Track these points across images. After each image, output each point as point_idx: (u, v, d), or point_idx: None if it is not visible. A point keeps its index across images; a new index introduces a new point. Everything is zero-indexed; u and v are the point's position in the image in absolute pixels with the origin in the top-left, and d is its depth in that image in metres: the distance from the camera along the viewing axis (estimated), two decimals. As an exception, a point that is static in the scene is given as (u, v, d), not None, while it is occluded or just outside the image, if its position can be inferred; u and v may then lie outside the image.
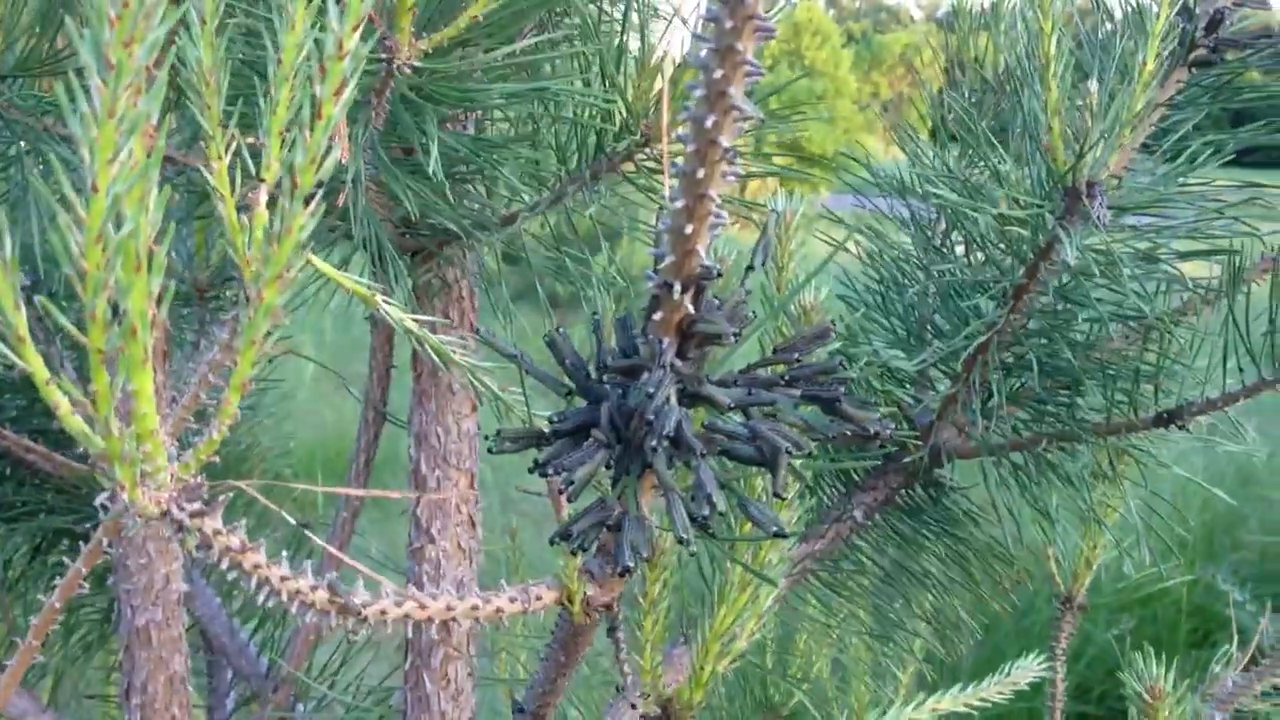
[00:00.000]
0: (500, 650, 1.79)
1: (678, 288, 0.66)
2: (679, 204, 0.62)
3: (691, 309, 0.68)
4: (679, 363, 0.70)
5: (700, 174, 0.61)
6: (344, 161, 0.89)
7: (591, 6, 1.03)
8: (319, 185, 0.53)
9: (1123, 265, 1.14)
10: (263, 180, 0.78)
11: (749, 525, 0.85)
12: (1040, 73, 1.14)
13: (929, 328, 1.41)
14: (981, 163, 1.26)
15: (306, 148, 0.52)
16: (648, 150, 1.10)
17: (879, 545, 1.47)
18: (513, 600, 0.78)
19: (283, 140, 0.79)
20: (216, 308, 1.51)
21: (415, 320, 0.82)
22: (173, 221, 0.63)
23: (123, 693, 1.41)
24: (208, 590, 1.59)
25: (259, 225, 0.79)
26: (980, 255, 1.31)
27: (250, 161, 0.79)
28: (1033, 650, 1.68)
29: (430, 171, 0.89)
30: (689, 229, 0.63)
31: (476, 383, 0.84)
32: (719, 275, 0.66)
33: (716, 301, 0.73)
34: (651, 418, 0.65)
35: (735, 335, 0.71)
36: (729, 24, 0.55)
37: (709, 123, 0.59)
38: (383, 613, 0.69)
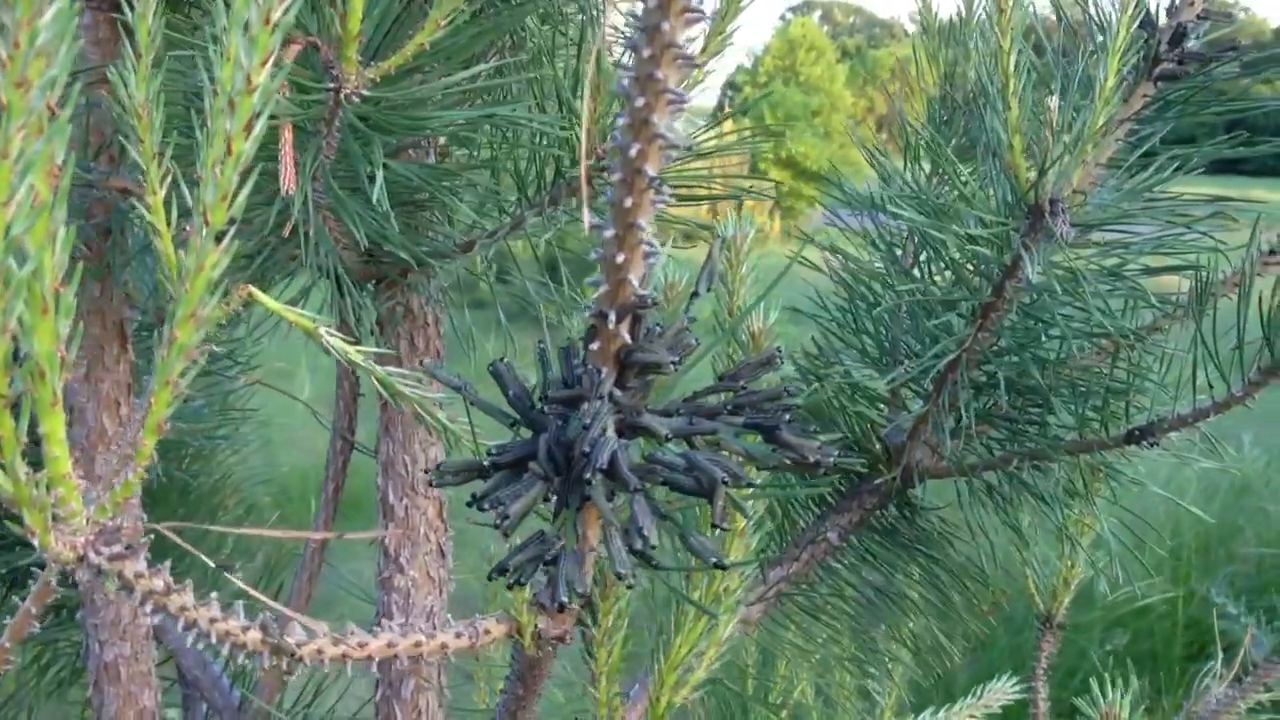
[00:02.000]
0: (479, 678, 1.78)
1: (612, 317, 0.65)
2: (609, 233, 0.62)
3: (628, 338, 0.67)
4: (618, 393, 0.69)
5: (628, 203, 0.60)
6: (289, 192, 0.89)
7: (545, 30, 1.02)
8: (232, 222, 0.53)
9: (1085, 282, 1.14)
10: (206, 217, 0.77)
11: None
12: (1000, 89, 1.14)
13: (901, 347, 1.40)
14: (950, 181, 1.25)
15: (217, 184, 0.52)
16: (605, 174, 1.09)
17: (854, 567, 1.46)
18: (459, 635, 0.77)
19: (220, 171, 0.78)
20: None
21: (361, 351, 0.81)
22: (117, 253, 0.63)
23: (92, 728, 1.40)
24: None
25: (210, 257, 0.78)
26: (950, 274, 1.30)
27: (189, 195, 0.78)
28: (1027, 668, 1.67)
29: (374, 200, 0.88)
30: (620, 258, 0.63)
31: (425, 414, 0.83)
32: (654, 304, 0.65)
33: (658, 329, 0.72)
34: (587, 449, 0.64)
35: (676, 364, 0.70)
36: (647, 52, 0.55)
37: (633, 151, 0.58)
38: (319, 652, 0.68)
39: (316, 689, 1.63)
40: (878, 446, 1.45)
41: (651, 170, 0.58)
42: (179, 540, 0.58)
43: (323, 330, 0.81)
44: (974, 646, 4.11)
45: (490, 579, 0.66)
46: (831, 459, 0.70)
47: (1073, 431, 1.35)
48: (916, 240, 1.36)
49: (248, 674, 1.57)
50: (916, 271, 1.37)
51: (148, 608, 0.59)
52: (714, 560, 0.66)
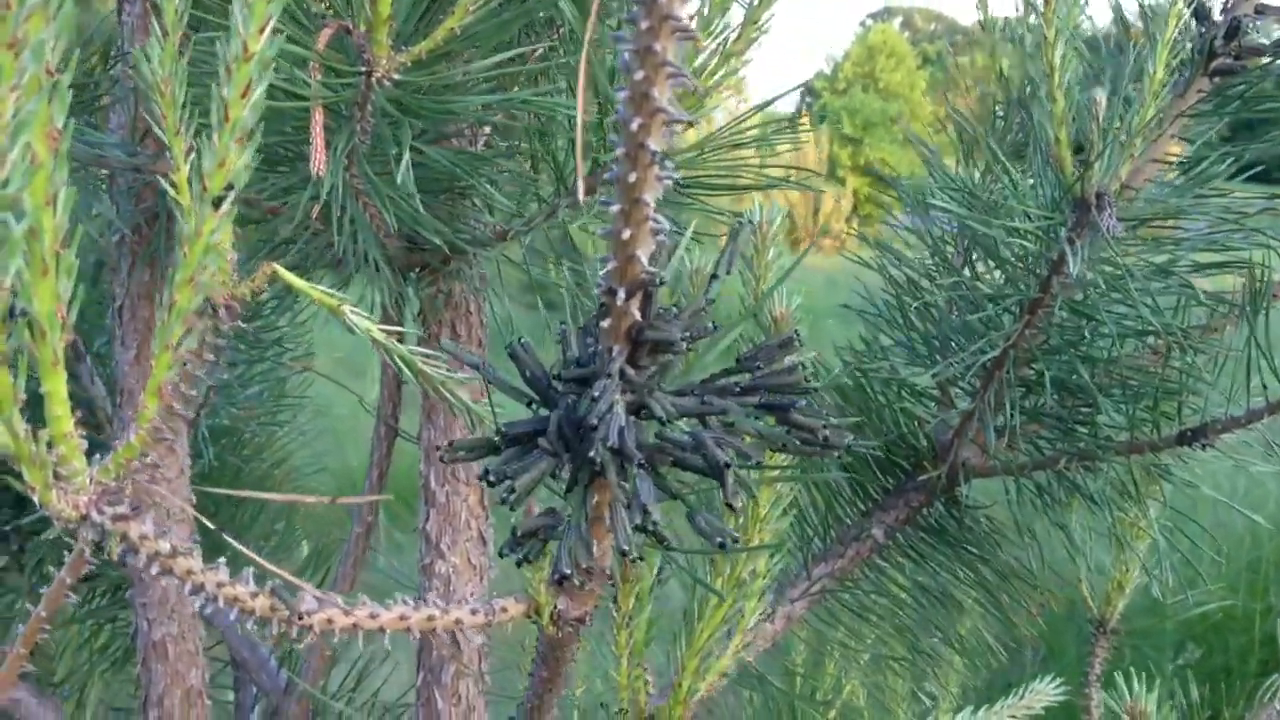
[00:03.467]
0: (523, 667, 1.79)
1: (621, 294, 0.65)
2: (614, 209, 0.62)
3: (638, 315, 0.67)
4: (630, 371, 0.69)
5: (632, 178, 0.60)
6: (319, 174, 0.90)
7: (573, 13, 1.02)
8: (229, 188, 0.53)
9: (1130, 279, 1.12)
10: (231, 187, 0.78)
11: (757, 536, 0.84)
12: (1046, 82, 1.12)
13: (949, 344, 1.38)
14: (999, 177, 1.24)
15: (214, 151, 0.52)
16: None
17: (900, 566, 1.45)
18: (474, 612, 0.77)
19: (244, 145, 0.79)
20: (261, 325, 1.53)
21: (384, 330, 0.82)
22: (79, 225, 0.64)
23: (140, 706, 1.42)
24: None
25: (226, 233, 0.79)
26: (999, 272, 1.29)
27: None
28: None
29: (399, 182, 0.89)
30: (626, 234, 0.62)
31: (445, 393, 0.83)
32: (662, 282, 0.65)
33: (674, 310, 0.72)
34: (594, 424, 0.64)
35: (688, 342, 0.70)
36: (645, 24, 0.54)
37: (634, 126, 0.58)
38: (329, 621, 0.69)
39: (360, 675, 1.65)
40: (924, 443, 1.44)
41: (653, 144, 0.58)
42: (206, 521, 0.59)
43: (346, 309, 0.82)
44: (1042, 655, 4.05)
45: (500, 555, 0.66)
46: (845, 441, 0.70)
47: (1124, 432, 1.33)
48: (967, 238, 1.34)
49: (295, 656, 1.59)
50: (967, 270, 1.35)
51: (154, 570, 0.60)
52: (719, 541, 0.65)
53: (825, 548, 1.44)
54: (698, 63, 1.09)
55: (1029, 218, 1.16)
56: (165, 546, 0.60)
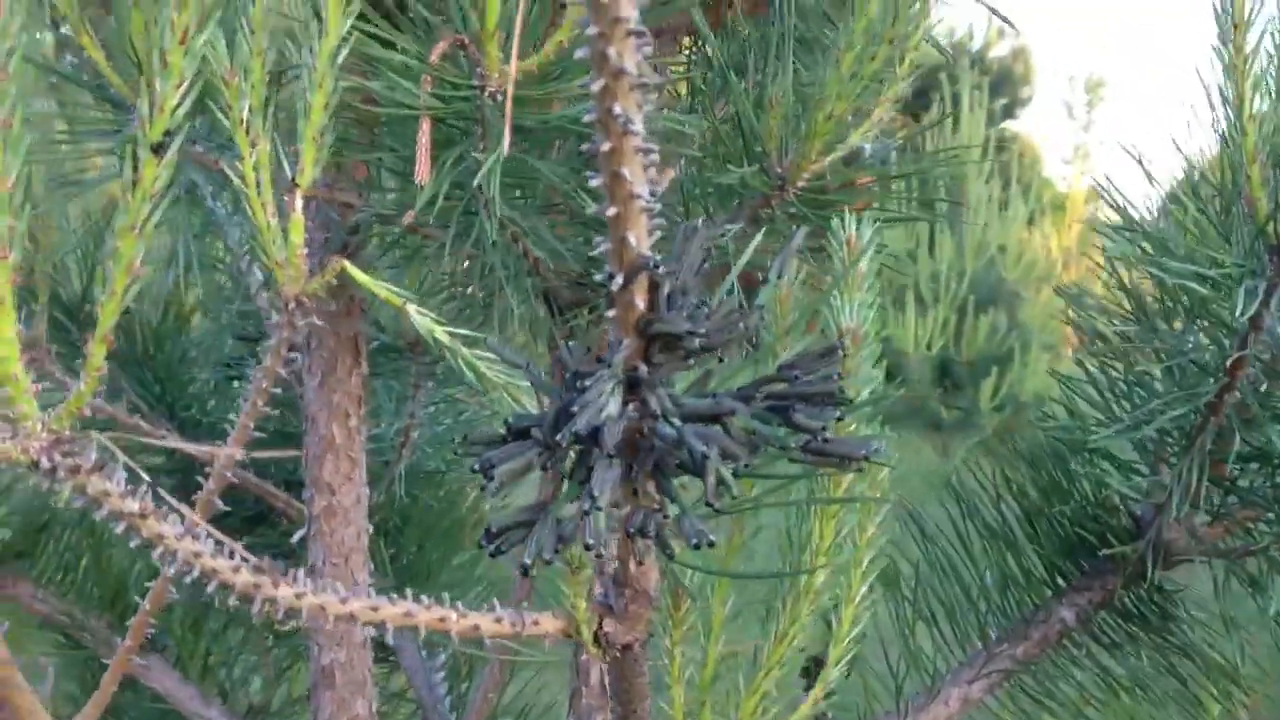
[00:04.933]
0: None
1: (619, 279, 0.62)
2: (595, 182, 0.59)
3: (640, 305, 0.63)
4: (643, 367, 0.65)
5: (606, 148, 0.57)
6: (421, 183, 0.90)
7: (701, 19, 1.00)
8: (167, 134, 0.54)
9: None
10: (297, 185, 0.80)
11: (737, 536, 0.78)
12: (1236, 108, 1.02)
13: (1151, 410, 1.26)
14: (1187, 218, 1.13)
15: (156, 100, 0.53)
16: (784, 193, 1.05)
17: (1091, 652, 1.32)
18: (498, 620, 0.74)
19: (317, 145, 0.80)
20: (430, 361, 1.56)
21: (448, 332, 0.81)
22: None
23: (310, 730, 1.45)
24: (414, 642, 1.63)
25: (295, 230, 0.81)
26: (1196, 325, 1.17)
27: (288, 166, 0.81)
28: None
29: (491, 200, 0.88)
30: (612, 211, 0.59)
31: (511, 397, 0.82)
32: (657, 266, 0.61)
33: (705, 308, 0.68)
34: (573, 413, 0.61)
35: (705, 341, 0.66)
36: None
37: (597, 87, 0.55)
38: (321, 608, 0.67)
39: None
40: (1124, 521, 1.31)
41: (619, 108, 0.55)
42: (120, 452, 0.59)
43: (411, 309, 0.82)
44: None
45: (479, 547, 0.63)
46: (868, 451, 0.64)
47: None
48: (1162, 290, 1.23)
49: (464, 699, 1.59)
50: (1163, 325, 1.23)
51: (120, 529, 0.60)
52: (695, 541, 0.61)
53: (1005, 624, 1.34)
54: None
55: (1216, 263, 1.05)
56: (132, 506, 0.60)
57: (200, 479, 1.83)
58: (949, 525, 1.38)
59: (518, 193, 1.01)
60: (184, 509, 0.59)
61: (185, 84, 0.53)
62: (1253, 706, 1.27)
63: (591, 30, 0.53)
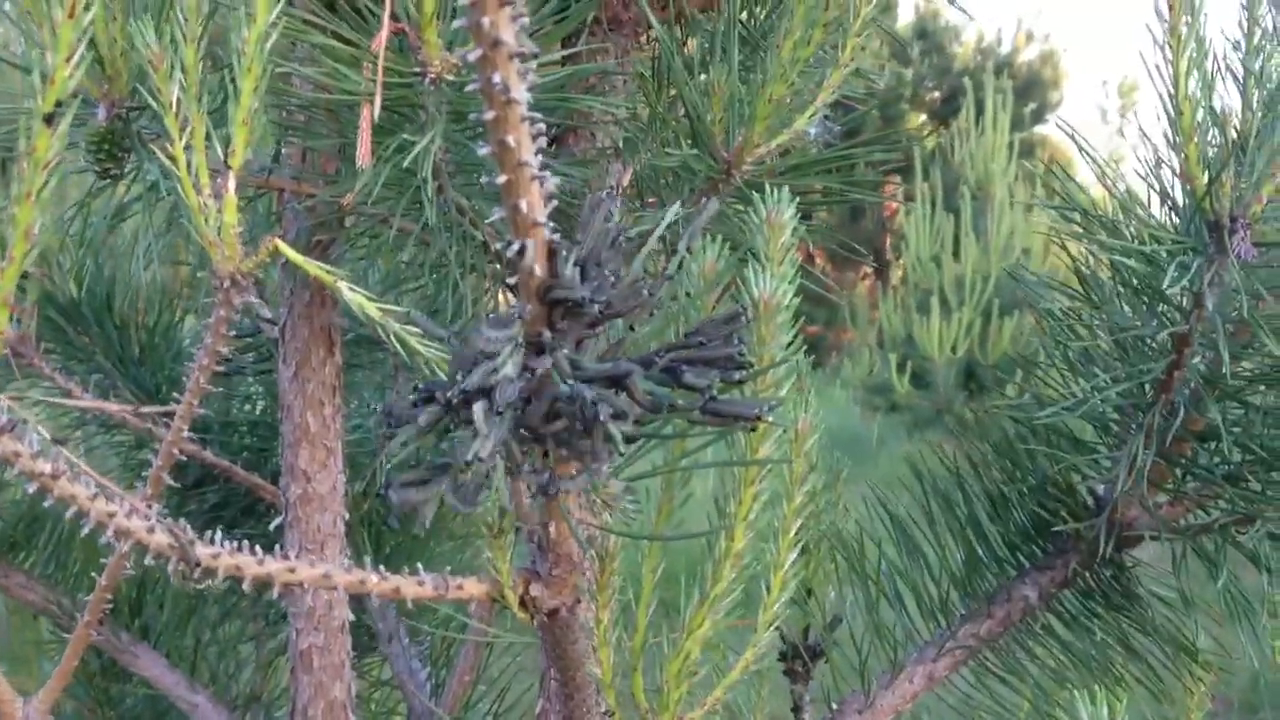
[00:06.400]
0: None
1: (515, 246, 0.64)
2: (484, 150, 0.61)
3: (538, 272, 0.65)
4: (547, 333, 0.68)
5: (489, 116, 0.59)
6: (361, 165, 0.93)
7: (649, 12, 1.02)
8: (59, 105, 0.56)
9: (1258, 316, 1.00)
10: (229, 167, 0.83)
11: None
12: (1173, 89, 1.03)
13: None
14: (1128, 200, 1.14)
15: (47, 72, 0.55)
16: (729, 178, 1.07)
17: (1054, 631, 1.33)
18: (420, 584, 0.77)
19: (248, 127, 0.83)
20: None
21: (380, 308, 0.83)
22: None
23: (288, 715, 1.48)
24: (400, 629, 1.66)
25: (229, 209, 0.83)
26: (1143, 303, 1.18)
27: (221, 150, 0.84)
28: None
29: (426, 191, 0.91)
30: (501, 178, 0.62)
31: (441, 371, 0.84)
32: (554, 230, 0.64)
33: (611, 277, 0.71)
34: (459, 375, 0.63)
35: (604, 309, 0.68)
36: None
37: (473, 57, 0.57)
38: (236, 567, 0.70)
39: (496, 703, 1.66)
40: (1085, 499, 1.33)
41: (499, 77, 0.57)
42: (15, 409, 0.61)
43: (342, 285, 0.84)
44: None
45: (376, 496, 0.65)
46: (760, 412, 0.66)
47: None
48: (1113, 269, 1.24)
49: (442, 682, 1.62)
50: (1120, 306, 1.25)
51: (32, 490, 0.63)
52: (539, 488, 0.63)
53: (970, 608, 1.35)
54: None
55: (1158, 241, 1.07)
56: (44, 467, 0.63)
57: (197, 473, 1.85)
58: (919, 509, 1.40)
59: (462, 179, 1.04)
60: (93, 473, 0.62)
61: (74, 56, 0.56)
62: (1211, 683, 1.28)
63: (465, 0, 0.56)
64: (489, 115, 0.59)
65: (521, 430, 0.66)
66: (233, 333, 1.83)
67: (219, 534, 0.71)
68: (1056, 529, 1.27)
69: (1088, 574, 1.33)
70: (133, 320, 1.86)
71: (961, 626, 1.34)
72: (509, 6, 0.56)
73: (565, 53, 0.98)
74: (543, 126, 0.61)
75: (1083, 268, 1.25)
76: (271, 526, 1.46)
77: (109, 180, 1.12)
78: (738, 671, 0.87)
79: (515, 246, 0.64)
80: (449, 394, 0.65)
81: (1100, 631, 1.30)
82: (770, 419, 0.66)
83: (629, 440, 0.71)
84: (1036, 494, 1.32)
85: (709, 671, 0.86)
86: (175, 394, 1.71)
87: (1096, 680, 1.28)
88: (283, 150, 1.20)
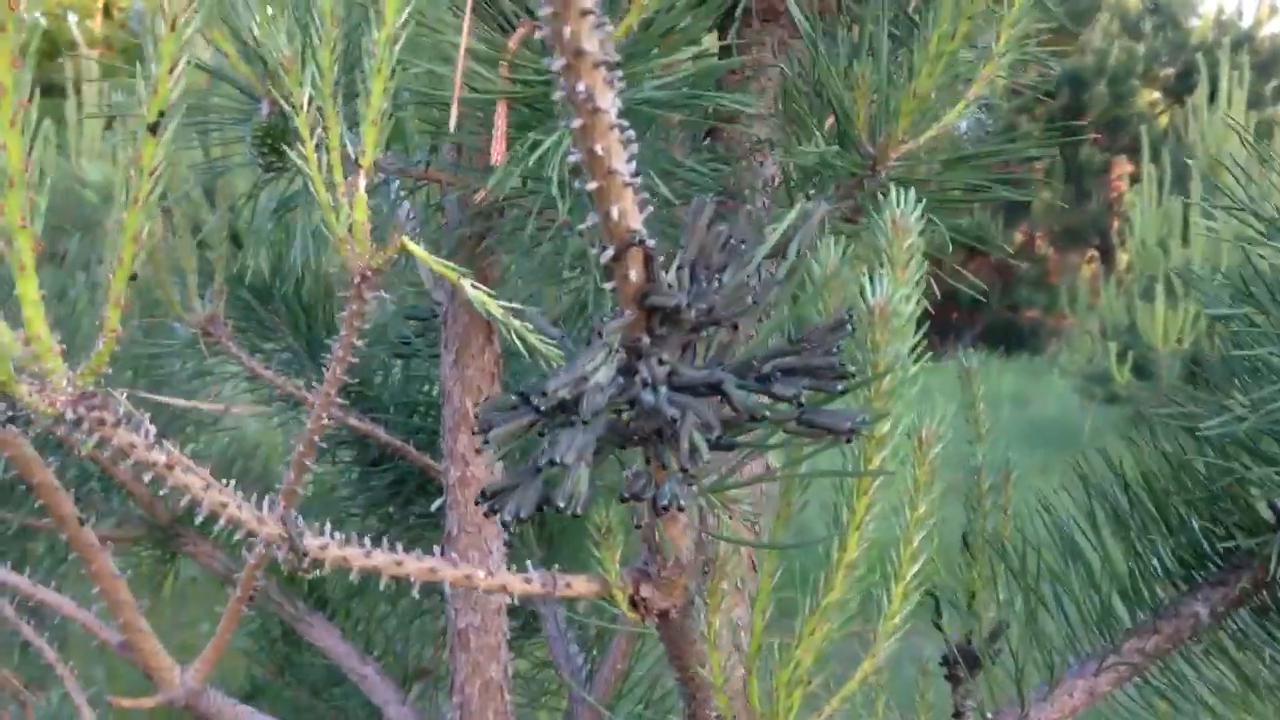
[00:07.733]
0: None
1: (609, 252, 0.64)
2: (572, 158, 0.61)
3: (633, 278, 0.65)
4: (644, 337, 0.67)
5: (576, 124, 0.59)
6: (495, 162, 0.94)
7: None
8: (162, 114, 0.58)
9: None
10: (359, 165, 0.85)
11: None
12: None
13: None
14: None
15: (151, 81, 0.57)
16: (875, 174, 1.05)
17: (1224, 650, 1.27)
18: (528, 581, 0.77)
19: (378, 127, 0.85)
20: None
21: (502, 307, 0.84)
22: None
23: (448, 691, 1.52)
24: (558, 614, 1.68)
25: (359, 208, 0.86)
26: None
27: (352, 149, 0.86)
28: None
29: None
30: (592, 186, 0.62)
31: (551, 364, 0.85)
32: (641, 241, 0.63)
33: (716, 282, 0.70)
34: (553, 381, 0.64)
35: (704, 315, 0.68)
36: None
37: (557, 66, 0.57)
38: (344, 559, 0.72)
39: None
40: (1263, 512, 1.25)
41: (583, 86, 0.57)
42: (131, 409, 0.64)
43: (465, 283, 0.86)
44: None
45: (476, 504, 0.66)
46: (854, 425, 0.64)
47: None
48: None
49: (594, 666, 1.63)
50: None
51: (147, 479, 0.66)
52: (664, 504, 0.62)
53: (1134, 618, 1.29)
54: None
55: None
56: (159, 457, 0.65)
57: (376, 452, 1.91)
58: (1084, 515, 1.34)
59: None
60: (198, 469, 0.64)
61: (178, 67, 0.58)
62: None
63: (545, 11, 0.56)
64: (576, 124, 0.59)
65: (614, 436, 0.66)
66: (409, 318, 1.89)
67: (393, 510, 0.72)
68: (1222, 545, 1.20)
69: (1263, 592, 1.26)
70: (320, 302, 1.93)
71: (1126, 640, 1.29)
72: (591, 15, 0.56)
73: (694, 51, 0.97)
74: (632, 134, 0.61)
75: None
76: (433, 507, 1.50)
77: (273, 174, 1.17)
78: (855, 683, 0.85)
79: (609, 253, 0.64)
80: (540, 399, 0.65)
81: (1273, 655, 1.23)
82: (866, 432, 0.65)
83: (725, 449, 0.70)
84: (1209, 505, 1.26)
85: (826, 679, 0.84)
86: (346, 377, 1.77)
87: (1269, 705, 1.21)
88: (440, 147, 1.23)
